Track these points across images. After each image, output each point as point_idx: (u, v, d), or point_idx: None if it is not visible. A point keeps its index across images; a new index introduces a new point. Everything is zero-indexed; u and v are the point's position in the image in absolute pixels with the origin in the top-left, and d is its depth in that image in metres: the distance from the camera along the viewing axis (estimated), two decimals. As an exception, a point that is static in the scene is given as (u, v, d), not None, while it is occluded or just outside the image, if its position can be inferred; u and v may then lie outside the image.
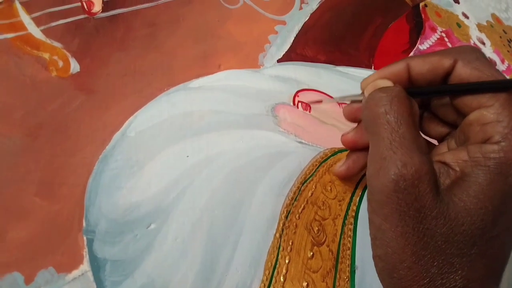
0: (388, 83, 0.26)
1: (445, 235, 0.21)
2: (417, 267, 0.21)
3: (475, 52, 0.24)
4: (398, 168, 0.21)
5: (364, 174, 0.34)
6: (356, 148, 0.30)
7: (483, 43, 0.48)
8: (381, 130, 0.23)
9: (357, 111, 0.28)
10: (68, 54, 0.34)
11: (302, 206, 0.31)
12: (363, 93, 0.27)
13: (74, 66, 0.33)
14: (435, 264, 0.21)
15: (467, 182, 0.22)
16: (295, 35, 0.41)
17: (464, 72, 0.24)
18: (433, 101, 0.28)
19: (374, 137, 0.24)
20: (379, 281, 0.26)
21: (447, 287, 0.21)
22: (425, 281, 0.21)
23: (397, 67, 0.26)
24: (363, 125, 0.26)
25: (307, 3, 0.43)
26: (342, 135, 0.30)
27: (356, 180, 0.34)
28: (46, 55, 0.33)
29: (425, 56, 0.26)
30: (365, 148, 0.28)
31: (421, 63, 0.25)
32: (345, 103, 0.31)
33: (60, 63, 0.33)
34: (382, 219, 0.22)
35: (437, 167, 0.23)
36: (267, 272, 0.29)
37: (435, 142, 0.29)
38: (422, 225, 0.21)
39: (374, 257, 0.24)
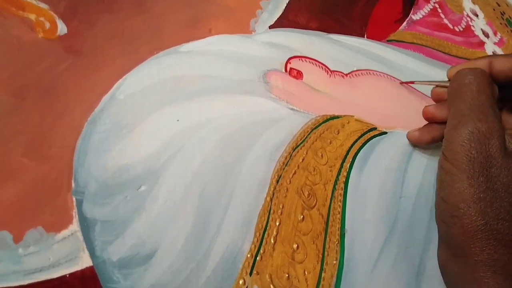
0: None
1: (506, 185, 0.24)
2: (475, 207, 0.24)
3: None
4: (475, 122, 0.25)
5: (353, 144, 0.35)
6: (433, 120, 0.32)
7: (476, 15, 0.47)
8: (463, 96, 0.27)
9: (441, 94, 0.32)
10: (55, 16, 0.33)
11: (293, 171, 0.31)
12: (449, 80, 0.30)
13: (62, 28, 0.33)
14: (492, 208, 0.24)
15: None
16: (287, 2, 0.40)
17: None
18: None
19: (457, 100, 0.27)
20: (367, 244, 0.26)
21: (501, 233, 0.23)
22: (482, 222, 0.24)
23: (480, 63, 0.29)
24: (447, 96, 0.29)
25: (300, -30, 0.42)
26: (425, 107, 0.33)
27: (346, 147, 0.34)
28: (32, 16, 0.32)
29: (508, 54, 0.28)
30: (439, 123, 0.32)
31: (503, 61, 0.28)
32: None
33: (47, 25, 0.32)
34: (453, 165, 0.25)
35: (507, 135, 0.26)
36: (257, 234, 0.29)
37: None
38: (487, 171, 0.24)
39: (437, 201, 0.26)
